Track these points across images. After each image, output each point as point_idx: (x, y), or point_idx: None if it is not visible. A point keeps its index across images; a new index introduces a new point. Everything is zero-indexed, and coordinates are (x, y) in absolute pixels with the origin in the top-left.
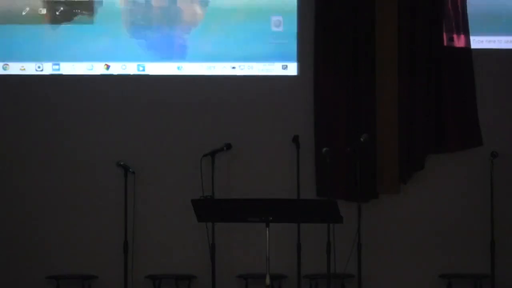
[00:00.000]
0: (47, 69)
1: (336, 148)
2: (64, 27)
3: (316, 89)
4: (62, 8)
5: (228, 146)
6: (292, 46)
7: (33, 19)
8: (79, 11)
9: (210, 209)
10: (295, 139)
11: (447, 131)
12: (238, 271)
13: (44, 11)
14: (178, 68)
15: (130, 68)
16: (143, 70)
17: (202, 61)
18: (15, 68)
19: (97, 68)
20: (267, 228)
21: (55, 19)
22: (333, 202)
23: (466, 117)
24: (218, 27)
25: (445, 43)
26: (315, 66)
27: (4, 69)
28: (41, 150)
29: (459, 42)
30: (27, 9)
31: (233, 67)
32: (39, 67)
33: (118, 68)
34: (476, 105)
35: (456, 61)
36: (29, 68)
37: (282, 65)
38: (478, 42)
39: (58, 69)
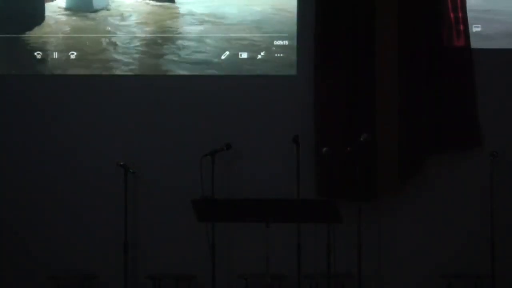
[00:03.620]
0: None
1: (336, 148)
2: None
3: (315, 89)
4: None
5: (228, 146)
6: (292, 46)
7: None
8: None
9: (210, 209)
10: (295, 139)
11: (447, 131)
12: (238, 271)
13: None
14: None
15: None
16: None
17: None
18: None
19: None
20: (267, 228)
21: None
22: (333, 202)
23: (465, 117)
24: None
25: (445, 43)
26: (315, 66)
27: None
28: (41, 150)
29: (459, 41)
30: None
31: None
32: None
33: None
34: (476, 105)
35: (456, 60)
36: None
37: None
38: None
39: None
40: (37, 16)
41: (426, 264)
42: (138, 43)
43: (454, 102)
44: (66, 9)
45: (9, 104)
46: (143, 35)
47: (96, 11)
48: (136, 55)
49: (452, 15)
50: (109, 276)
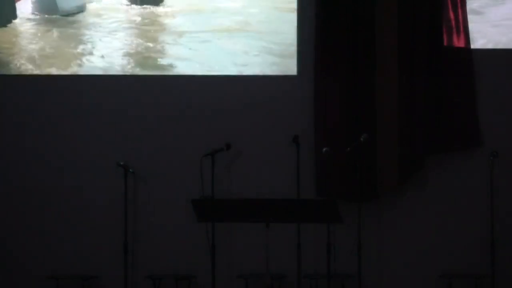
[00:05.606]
0: None
1: (336, 148)
2: None
3: (315, 89)
4: None
5: (228, 146)
6: (292, 46)
7: None
8: None
9: (210, 209)
10: (295, 139)
11: (447, 131)
12: (238, 271)
13: None
14: None
15: None
16: None
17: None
18: None
19: None
20: (267, 228)
21: None
22: (333, 202)
23: (465, 117)
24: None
25: (445, 43)
26: (315, 66)
27: None
28: (41, 150)
29: (459, 42)
30: None
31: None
32: None
33: None
34: (476, 105)
35: (456, 61)
36: None
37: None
38: None
39: None
40: (7, 15)
41: (426, 264)
42: (137, 43)
43: (454, 102)
44: (32, 13)
45: (10, 104)
46: (142, 35)
47: (67, 14)
48: (134, 55)
49: (452, 15)
50: (109, 276)
